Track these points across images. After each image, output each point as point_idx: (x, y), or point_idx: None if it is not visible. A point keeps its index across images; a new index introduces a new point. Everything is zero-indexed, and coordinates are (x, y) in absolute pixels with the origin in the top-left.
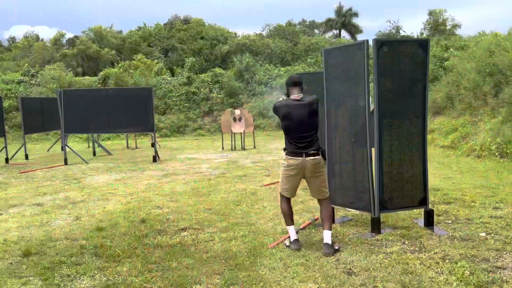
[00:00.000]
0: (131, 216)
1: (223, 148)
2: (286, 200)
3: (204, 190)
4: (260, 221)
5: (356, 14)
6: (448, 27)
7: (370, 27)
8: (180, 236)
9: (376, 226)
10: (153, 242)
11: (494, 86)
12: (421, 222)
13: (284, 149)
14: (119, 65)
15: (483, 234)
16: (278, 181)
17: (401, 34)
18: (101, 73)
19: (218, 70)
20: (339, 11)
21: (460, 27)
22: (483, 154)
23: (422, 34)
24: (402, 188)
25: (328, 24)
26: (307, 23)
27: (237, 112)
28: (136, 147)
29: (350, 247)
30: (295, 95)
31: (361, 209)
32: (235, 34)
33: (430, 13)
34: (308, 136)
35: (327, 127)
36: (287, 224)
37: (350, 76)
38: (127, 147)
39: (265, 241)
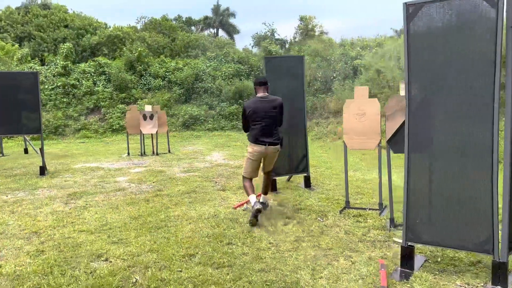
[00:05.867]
0: (60, 282)
1: (128, 153)
2: (249, 180)
3: (151, 219)
4: (305, 276)
5: (233, 15)
6: (317, 33)
7: (247, 28)
8: None
9: (503, 276)
10: None
11: None
12: None
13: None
14: None
15: None
16: (249, 200)
17: (275, 37)
18: None
19: (103, 59)
20: (216, 10)
21: (327, 34)
22: None
23: (295, 38)
24: None
25: (206, 22)
26: (183, 19)
27: (148, 108)
28: (3, 154)
29: None
30: (260, 93)
31: (471, 249)
32: (106, 24)
33: (301, 19)
34: (269, 129)
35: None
36: (248, 194)
37: None
38: None
39: None
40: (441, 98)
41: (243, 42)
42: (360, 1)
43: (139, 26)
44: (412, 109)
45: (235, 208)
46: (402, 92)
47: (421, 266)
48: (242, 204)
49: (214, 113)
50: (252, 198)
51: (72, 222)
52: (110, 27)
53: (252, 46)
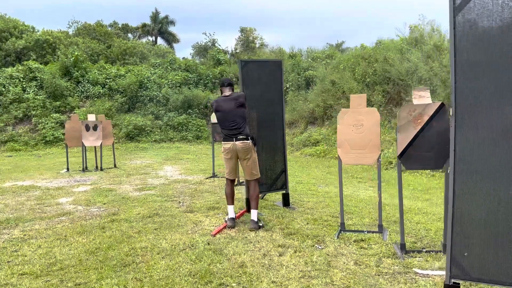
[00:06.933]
0: None
1: (68, 169)
2: (230, 183)
3: (113, 253)
4: None
5: (172, 23)
6: (257, 45)
7: (187, 38)
8: None
9: None
10: None
11: (378, 94)
12: None
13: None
14: None
15: None
16: (225, 223)
17: (216, 47)
18: None
19: (34, 63)
20: (154, 18)
21: (267, 46)
22: None
23: (236, 49)
24: None
25: (144, 30)
26: (120, 25)
27: (91, 118)
28: None
29: None
30: (226, 93)
31: None
32: (33, 28)
33: (242, 30)
34: (236, 124)
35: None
36: (228, 204)
37: None
38: None
39: None
40: (501, 107)
41: (183, 51)
42: (295, 16)
43: (71, 31)
44: (460, 120)
45: (213, 235)
46: (415, 101)
47: None
48: (221, 230)
49: (161, 123)
50: (229, 209)
51: (8, 261)
52: (38, 31)
53: (193, 56)
